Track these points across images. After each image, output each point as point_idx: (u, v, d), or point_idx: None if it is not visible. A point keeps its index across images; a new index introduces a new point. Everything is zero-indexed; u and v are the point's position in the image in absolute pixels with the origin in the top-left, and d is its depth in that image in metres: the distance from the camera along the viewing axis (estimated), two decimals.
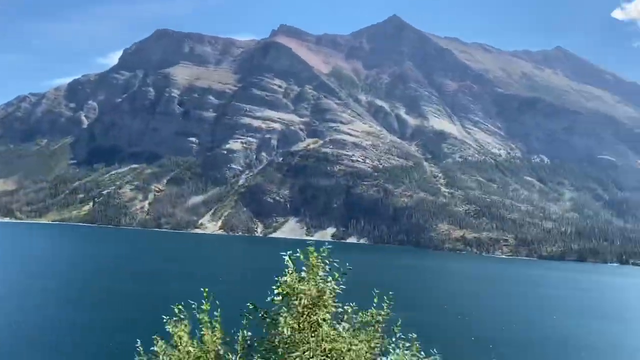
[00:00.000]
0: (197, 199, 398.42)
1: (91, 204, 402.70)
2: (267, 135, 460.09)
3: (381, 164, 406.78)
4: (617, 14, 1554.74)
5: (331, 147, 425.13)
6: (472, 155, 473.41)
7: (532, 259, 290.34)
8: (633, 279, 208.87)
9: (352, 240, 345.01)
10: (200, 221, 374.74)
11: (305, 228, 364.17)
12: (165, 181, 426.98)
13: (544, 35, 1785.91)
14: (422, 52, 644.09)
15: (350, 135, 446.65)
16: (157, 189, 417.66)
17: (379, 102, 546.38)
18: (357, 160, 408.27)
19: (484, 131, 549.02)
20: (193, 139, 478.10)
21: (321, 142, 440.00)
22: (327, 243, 10.12)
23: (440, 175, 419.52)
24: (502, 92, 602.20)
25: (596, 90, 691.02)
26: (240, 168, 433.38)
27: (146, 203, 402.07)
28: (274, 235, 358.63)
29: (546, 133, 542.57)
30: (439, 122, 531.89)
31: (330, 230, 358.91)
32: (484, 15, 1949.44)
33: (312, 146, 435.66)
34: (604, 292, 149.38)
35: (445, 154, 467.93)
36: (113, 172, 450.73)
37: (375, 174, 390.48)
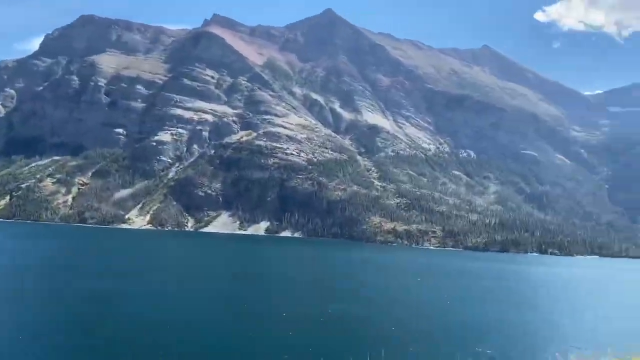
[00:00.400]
0: (124, 193, 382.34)
1: (8, 197, 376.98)
2: (199, 127, 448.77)
3: (316, 158, 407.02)
4: (539, 15, 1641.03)
5: (265, 139, 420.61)
6: (404, 150, 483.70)
7: (458, 250, 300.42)
8: (549, 267, 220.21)
9: (286, 234, 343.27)
10: (127, 216, 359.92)
11: (238, 222, 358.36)
12: (90, 174, 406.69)
13: (472, 34, 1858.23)
14: (356, 47, 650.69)
15: (285, 128, 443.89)
16: (81, 182, 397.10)
17: (314, 96, 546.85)
18: (292, 154, 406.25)
19: (414, 126, 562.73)
20: (120, 130, 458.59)
21: (255, 134, 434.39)
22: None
23: (373, 169, 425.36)
24: (432, 89, 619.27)
25: (520, 88, 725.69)
26: (170, 160, 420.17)
27: (69, 197, 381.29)
28: (205, 229, 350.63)
29: (473, 129, 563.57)
30: (373, 117, 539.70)
31: (264, 224, 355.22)
32: (416, 13, 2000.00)
33: (245, 138, 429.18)
34: (520, 281, 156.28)
35: (378, 148, 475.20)
36: (33, 165, 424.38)
37: (310, 167, 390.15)
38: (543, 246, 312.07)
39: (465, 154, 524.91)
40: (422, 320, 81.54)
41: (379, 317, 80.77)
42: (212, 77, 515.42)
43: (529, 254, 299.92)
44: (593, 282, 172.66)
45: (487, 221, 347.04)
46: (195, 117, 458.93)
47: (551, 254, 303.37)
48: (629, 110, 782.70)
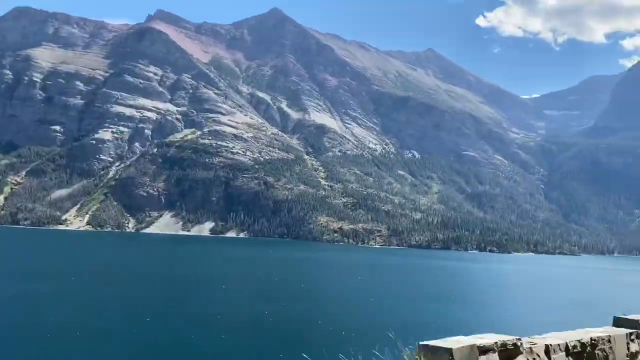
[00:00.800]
0: (61, 193, 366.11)
1: None
2: (141, 125, 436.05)
3: (262, 157, 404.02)
4: (480, 21, 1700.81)
5: (210, 138, 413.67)
6: (351, 150, 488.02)
7: (402, 248, 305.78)
8: (484, 264, 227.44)
9: (231, 234, 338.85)
10: (64, 217, 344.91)
11: (181, 223, 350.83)
12: (24, 173, 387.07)
13: (417, 37, 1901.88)
14: (304, 47, 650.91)
15: (231, 126, 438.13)
16: (14, 182, 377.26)
17: (261, 94, 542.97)
18: (238, 153, 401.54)
19: (361, 126, 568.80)
20: (57, 128, 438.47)
21: (199, 132, 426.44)
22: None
23: (320, 168, 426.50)
24: (378, 90, 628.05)
25: (462, 90, 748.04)
26: (110, 159, 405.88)
27: (1, 197, 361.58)
28: (147, 230, 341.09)
29: (417, 130, 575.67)
30: (320, 117, 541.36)
31: (209, 224, 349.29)
32: (363, 15, 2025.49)
33: (189, 137, 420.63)
34: (452, 277, 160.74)
35: (325, 147, 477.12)
36: None
37: (256, 166, 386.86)
38: (482, 244, 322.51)
39: (409, 154, 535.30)
40: (352, 318, 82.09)
41: (312, 317, 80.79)
42: (156, 74, 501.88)
43: (469, 251, 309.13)
44: (517, 277, 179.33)
45: (430, 220, 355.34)
46: (138, 115, 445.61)
47: (490, 251, 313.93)
48: (564, 113, 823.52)
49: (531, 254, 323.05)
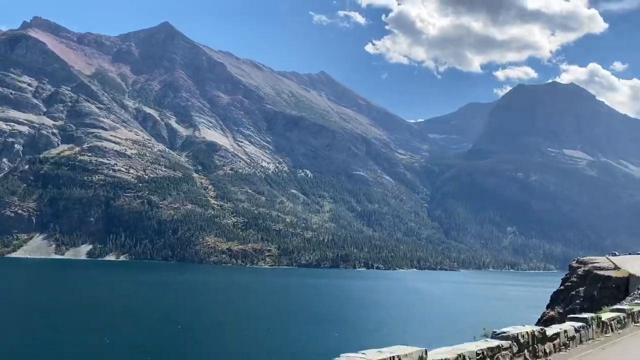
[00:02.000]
0: None
1: None
2: (10, 139, 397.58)
3: (147, 174, 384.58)
4: (369, 48, 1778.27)
5: (90, 154, 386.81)
6: (243, 168, 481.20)
7: (292, 268, 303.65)
8: (367, 281, 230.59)
9: (110, 257, 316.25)
10: None
11: (54, 245, 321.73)
12: None
13: (310, 59, 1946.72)
14: (195, 63, 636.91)
15: (113, 142, 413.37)
16: None
17: (148, 110, 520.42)
18: (120, 170, 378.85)
19: (254, 145, 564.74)
20: None
21: (78, 148, 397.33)
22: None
23: (210, 187, 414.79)
24: (272, 109, 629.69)
25: (352, 112, 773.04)
26: None
27: None
28: (14, 254, 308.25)
29: (310, 149, 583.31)
30: (211, 134, 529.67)
31: (85, 247, 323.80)
32: (257, 35, 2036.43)
33: (66, 153, 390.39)
34: (332, 296, 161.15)
35: (216, 165, 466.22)
36: None
37: (140, 184, 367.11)
38: (370, 261, 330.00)
39: (302, 173, 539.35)
40: (195, 343, 77.93)
41: (153, 346, 75.62)
42: (30, 85, 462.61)
43: (357, 269, 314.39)
44: (385, 293, 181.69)
45: (321, 238, 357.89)
46: (7, 128, 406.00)
47: (376, 268, 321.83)
48: (445, 137, 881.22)
49: (415, 270, 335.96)
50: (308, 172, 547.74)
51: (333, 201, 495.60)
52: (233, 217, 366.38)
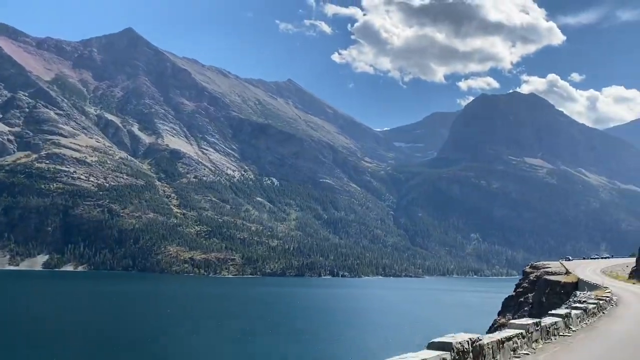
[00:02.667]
0: None
1: None
2: None
3: (107, 183, 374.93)
4: (336, 57, 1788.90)
5: (47, 162, 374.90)
6: (207, 176, 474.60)
7: (256, 277, 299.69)
8: (330, 289, 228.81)
9: (68, 268, 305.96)
10: None
11: (8, 256, 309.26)
12: None
13: (277, 67, 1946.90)
14: (159, 70, 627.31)
15: (72, 149, 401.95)
16: None
17: (110, 117, 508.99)
18: (79, 178, 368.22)
19: (219, 152, 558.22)
20: None
21: (35, 156, 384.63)
22: None
23: (173, 195, 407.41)
24: (237, 116, 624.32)
25: (319, 121, 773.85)
26: None
27: None
28: None
29: (277, 157, 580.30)
30: (175, 141, 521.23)
31: (42, 257, 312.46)
32: (223, 42, 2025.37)
33: (23, 160, 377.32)
34: (289, 305, 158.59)
35: (180, 173, 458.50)
36: None
37: (100, 193, 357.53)
38: (336, 269, 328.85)
39: (269, 181, 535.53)
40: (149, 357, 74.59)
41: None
42: None
43: (322, 277, 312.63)
44: (345, 301, 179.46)
45: (287, 247, 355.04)
46: None
47: (342, 276, 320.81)
48: (411, 145, 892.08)
49: (380, 277, 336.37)
50: (274, 180, 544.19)
51: (299, 209, 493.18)
52: (196, 225, 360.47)
